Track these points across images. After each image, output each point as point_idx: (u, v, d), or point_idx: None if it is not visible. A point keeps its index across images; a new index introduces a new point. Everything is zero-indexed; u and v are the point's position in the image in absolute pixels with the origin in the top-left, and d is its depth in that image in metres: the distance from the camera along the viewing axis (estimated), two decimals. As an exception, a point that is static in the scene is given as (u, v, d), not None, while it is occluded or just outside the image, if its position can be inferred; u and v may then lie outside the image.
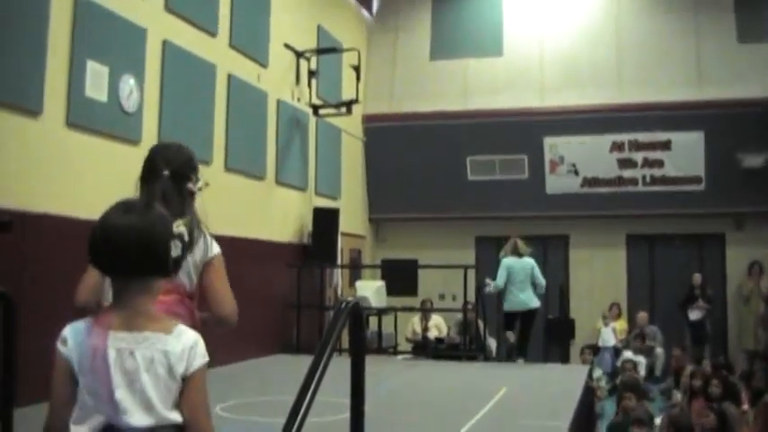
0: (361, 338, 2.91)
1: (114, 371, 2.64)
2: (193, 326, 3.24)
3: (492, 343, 15.12)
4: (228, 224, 11.91)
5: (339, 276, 15.49)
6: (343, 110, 15.22)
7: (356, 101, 15.26)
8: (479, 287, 13.80)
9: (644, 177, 16.84)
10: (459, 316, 14.64)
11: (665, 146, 16.66)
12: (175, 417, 2.68)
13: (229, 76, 12.26)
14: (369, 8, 18.39)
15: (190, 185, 3.84)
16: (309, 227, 14.70)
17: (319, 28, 15.53)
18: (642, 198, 16.85)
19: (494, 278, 12.90)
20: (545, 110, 17.01)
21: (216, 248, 3.77)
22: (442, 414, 6.43)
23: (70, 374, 2.70)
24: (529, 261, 12.93)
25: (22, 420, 3.36)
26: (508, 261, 12.92)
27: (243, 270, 12.31)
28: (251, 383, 10.55)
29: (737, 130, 15.94)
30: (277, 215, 13.90)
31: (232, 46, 12.37)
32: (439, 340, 14.72)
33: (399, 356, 14.22)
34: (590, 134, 16.90)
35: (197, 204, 3.86)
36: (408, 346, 14.91)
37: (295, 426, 2.04)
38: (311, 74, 14.75)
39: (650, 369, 14.52)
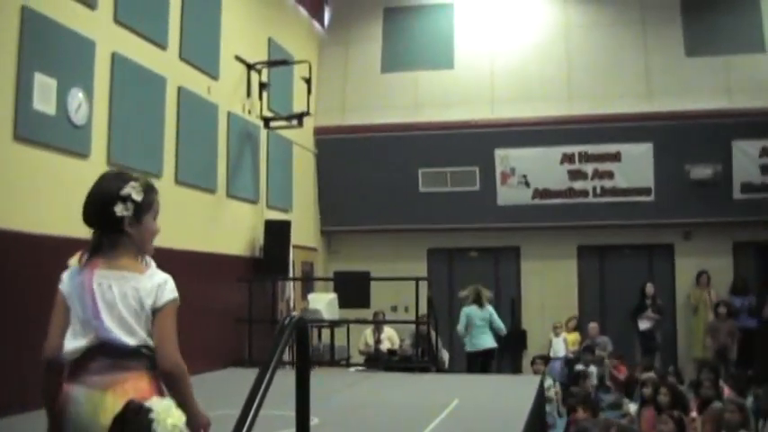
0: (306, 354, 2.92)
1: (98, 299, 3.51)
2: None
3: (445, 355, 15.17)
4: (179, 238, 11.85)
5: (291, 289, 15.44)
6: (295, 122, 15.19)
7: (307, 113, 15.24)
8: (431, 299, 13.86)
9: (594, 189, 16.99)
10: (413, 328, 14.67)
11: (615, 157, 16.82)
12: (151, 341, 3.48)
13: (179, 89, 12.19)
14: (320, 21, 18.39)
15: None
16: (261, 240, 14.65)
17: (270, 40, 15.50)
18: (593, 209, 16.99)
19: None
20: (496, 122, 17.10)
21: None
22: (394, 426, 6.42)
23: (64, 305, 3.59)
24: (488, 309, 14.29)
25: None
26: (468, 310, 14.23)
27: (194, 284, 12.25)
28: (202, 397, 10.46)
29: (686, 141, 16.15)
30: (228, 228, 13.83)
31: (182, 58, 12.30)
32: (391, 352, 14.73)
33: (352, 368, 14.21)
34: (541, 146, 17.02)
35: None
36: (361, 359, 14.91)
37: None
38: (262, 86, 14.71)
39: (600, 379, 14.61)
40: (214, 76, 13.29)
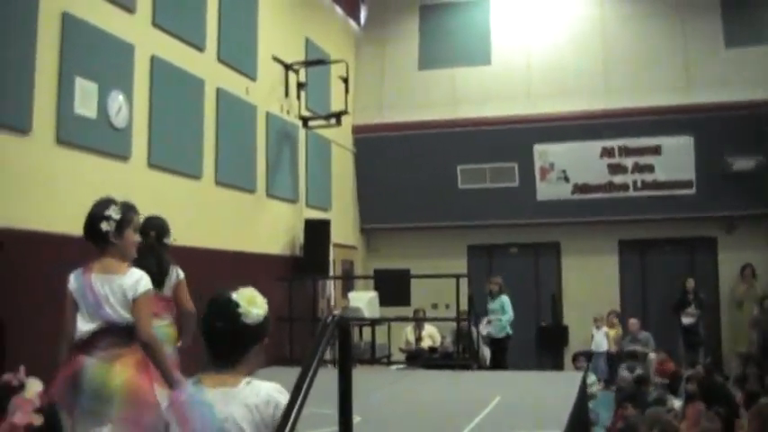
0: (349, 352, 2.94)
1: (98, 294, 4.99)
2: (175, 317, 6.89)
3: (486, 351, 15.15)
4: (219, 238, 11.94)
5: (332, 288, 15.49)
6: (333, 121, 15.23)
7: (345, 112, 15.28)
8: (471, 296, 13.86)
9: (634, 182, 16.86)
10: (453, 325, 14.66)
11: (655, 151, 16.69)
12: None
13: (218, 90, 12.26)
14: (356, 19, 18.41)
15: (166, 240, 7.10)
16: (301, 239, 14.69)
17: (307, 40, 15.54)
18: (633, 203, 16.86)
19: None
20: (534, 117, 17.01)
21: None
22: (435, 424, 6.41)
23: (73, 301, 5.07)
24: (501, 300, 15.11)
25: None
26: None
27: (234, 283, 12.32)
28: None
29: (726, 133, 15.97)
30: (268, 228, 13.89)
31: (220, 60, 12.37)
32: (432, 350, 14.73)
33: (393, 366, 14.22)
34: (580, 140, 16.92)
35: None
36: (402, 356, 14.91)
37: None
38: (300, 86, 14.76)
39: (640, 375, 14.52)
40: (252, 76, 13.34)
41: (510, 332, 15.02)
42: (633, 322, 16.34)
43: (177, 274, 6.90)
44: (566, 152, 17.10)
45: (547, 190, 17.34)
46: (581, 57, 17.18)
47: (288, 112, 14.53)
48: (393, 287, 15.76)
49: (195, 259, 11.07)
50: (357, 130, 17.83)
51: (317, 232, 14.59)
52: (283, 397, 3.24)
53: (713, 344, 16.64)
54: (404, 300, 15.84)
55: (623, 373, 14.86)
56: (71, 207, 8.67)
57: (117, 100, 9.70)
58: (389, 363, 14.52)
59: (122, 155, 9.88)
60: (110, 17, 9.72)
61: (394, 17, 18.51)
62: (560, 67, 17.21)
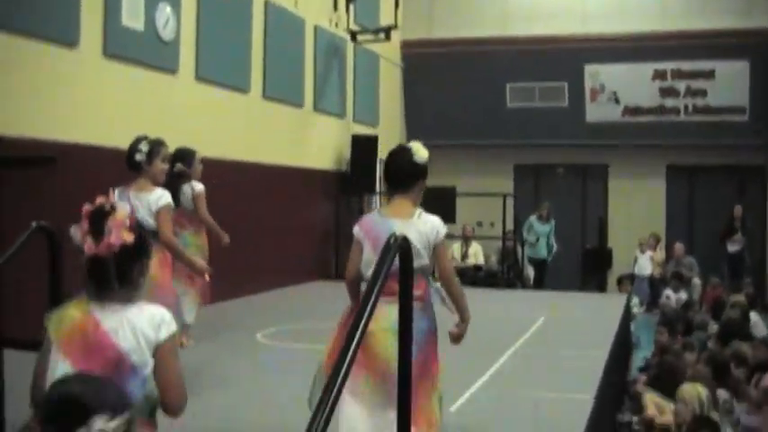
0: (410, 273, 2.93)
1: (133, 206, 5.75)
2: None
3: (530, 271, 15.17)
4: (267, 152, 11.96)
5: (378, 203, 15.50)
6: (382, 36, 15.05)
7: (395, 27, 15.08)
8: (517, 216, 13.84)
9: (686, 107, 16.60)
10: (499, 244, 14.65)
11: (709, 75, 16.39)
12: None
13: (266, 3, 12.16)
14: (409, -68, 18.10)
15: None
16: (348, 154, 14.67)
17: (358, -48, 15.32)
18: (684, 128, 16.61)
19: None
20: (586, 37, 16.73)
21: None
22: (482, 343, 6.43)
23: None
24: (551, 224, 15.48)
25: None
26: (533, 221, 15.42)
27: (282, 198, 12.39)
28: (291, 310, 10.63)
29: (784, 59, 15.63)
30: (315, 143, 13.87)
31: (269, -29, 12.25)
32: (477, 268, 14.75)
33: (437, 284, 14.25)
34: (632, 62, 16.65)
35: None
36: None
37: (344, 366, 2.10)
38: None
39: (687, 301, 14.48)
40: (301, -12, 13.21)
41: (551, 256, 15.16)
42: (679, 246, 16.26)
43: (193, 188, 7.71)
44: (617, 73, 16.85)
45: (596, 111, 17.13)
46: (638, -26, 16.81)
47: (336, 26, 14.36)
48: (439, 204, 15.67)
49: (241, 172, 11.12)
50: (406, 45, 17.64)
51: (364, 148, 14.56)
52: (443, 228, 4.54)
53: (758, 272, 16.49)
54: (449, 217, 15.75)
55: (667, 295, 14.83)
56: (119, 121, 8.72)
57: (164, 12, 9.66)
58: (435, 279, 14.55)
59: (170, 68, 9.86)
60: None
61: (447, -70, 18.15)
62: (616, -14, 16.88)
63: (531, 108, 17.42)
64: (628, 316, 12.06)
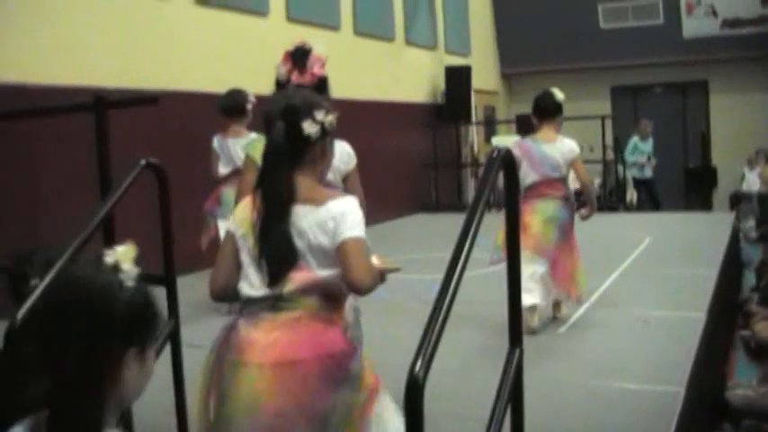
0: (517, 189, 2.91)
1: (232, 150, 6.47)
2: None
3: (633, 194, 14.99)
4: (361, 88, 11.95)
5: (474, 134, 15.45)
6: (471, -38, 14.89)
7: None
8: (617, 138, 13.65)
9: (790, 15, 16.07)
10: (599, 168, 14.51)
11: (812, -19, 15.83)
12: None
13: (354, -62, 12.10)
14: None
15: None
16: (442, 86, 14.61)
17: None
18: (786, 37, 16.09)
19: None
20: (680, -51, 16.31)
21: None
22: (590, 264, 6.41)
23: (216, 153, 6.59)
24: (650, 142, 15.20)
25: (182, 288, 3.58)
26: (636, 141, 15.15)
27: (378, 133, 12.41)
28: (396, 242, 10.67)
29: None
30: (409, 76, 13.83)
31: None
32: (579, 192, 14.62)
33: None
34: (729, -29, 16.17)
35: None
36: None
37: (452, 283, 2.11)
38: (435, -75, 14.44)
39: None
40: None
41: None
42: (786, 162, 15.85)
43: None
44: (714, -16, 16.39)
45: (693, 26, 16.70)
46: None
47: (424, -44, 14.24)
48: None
49: (336, 110, 11.15)
50: (495, -30, 17.43)
51: (457, 79, 14.48)
52: (577, 148, 6.00)
53: None
54: (547, 143, 15.69)
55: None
56: (212, 65, 8.81)
57: (255, -47, 9.68)
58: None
59: (261, 10, 9.90)
60: None
61: None
62: None
63: (625, 28, 17.09)
64: (737, 234, 11.85)
